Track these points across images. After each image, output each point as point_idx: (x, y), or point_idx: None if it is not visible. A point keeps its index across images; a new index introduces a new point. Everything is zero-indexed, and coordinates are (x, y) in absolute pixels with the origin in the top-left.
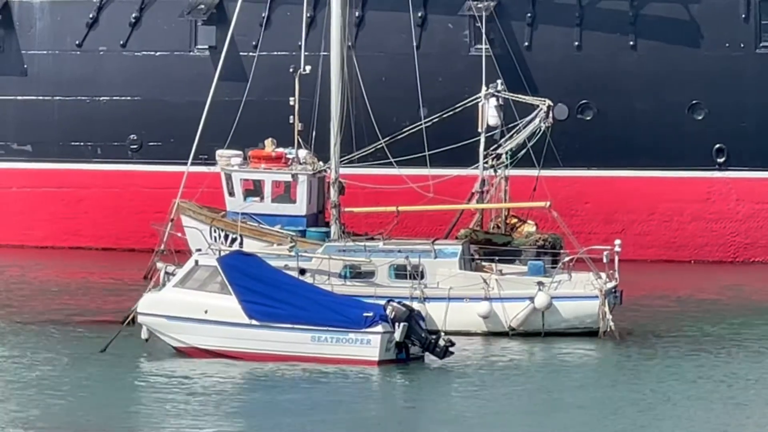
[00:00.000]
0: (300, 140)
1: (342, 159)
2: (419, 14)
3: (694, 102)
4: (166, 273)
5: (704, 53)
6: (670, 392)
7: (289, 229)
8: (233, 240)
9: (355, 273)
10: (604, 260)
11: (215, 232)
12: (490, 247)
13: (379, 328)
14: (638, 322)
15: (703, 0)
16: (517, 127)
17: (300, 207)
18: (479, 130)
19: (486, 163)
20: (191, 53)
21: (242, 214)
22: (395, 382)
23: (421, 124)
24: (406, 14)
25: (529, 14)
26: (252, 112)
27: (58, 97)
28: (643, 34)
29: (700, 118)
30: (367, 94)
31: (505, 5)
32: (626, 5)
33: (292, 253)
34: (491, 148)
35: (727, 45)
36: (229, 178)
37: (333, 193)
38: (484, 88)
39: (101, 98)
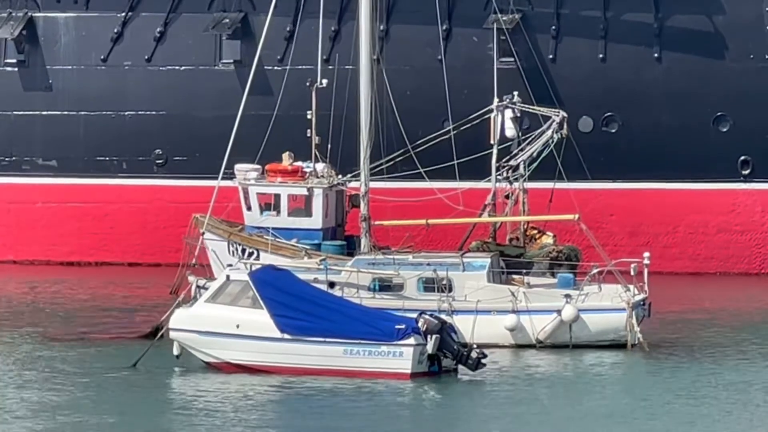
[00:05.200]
0: (318, 154)
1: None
2: (444, 27)
3: (719, 114)
4: (198, 286)
5: (729, 65)
6: (700, 404)
7: (305, 242)
8: (249, 254)
9: (384, 286)
10: (632, 273)
11: (233, 246)
12: (503, 259)
13: (411, 341)
14: (666, 334)
15: (728, 12)
16: (529, 139)
17: (316, 220)
18: (491, 142)
19: (500, 174)
20: (216, 67)
21: (259, 228)
22: (427, 395)
23: (436, 137)
24: (431, 27)
25: (553, 27)
26: (277, 126)
27: (83, 112)
28: (667, 46)
29: (725, 130)
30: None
31: (530, 18)
32: (651, 17)
33: (322, 266)
34: (504, 160)
35: (751, 57)
36: (246, 192)
37: (363, 206)
38: (496, 100)
39: (126, 113)
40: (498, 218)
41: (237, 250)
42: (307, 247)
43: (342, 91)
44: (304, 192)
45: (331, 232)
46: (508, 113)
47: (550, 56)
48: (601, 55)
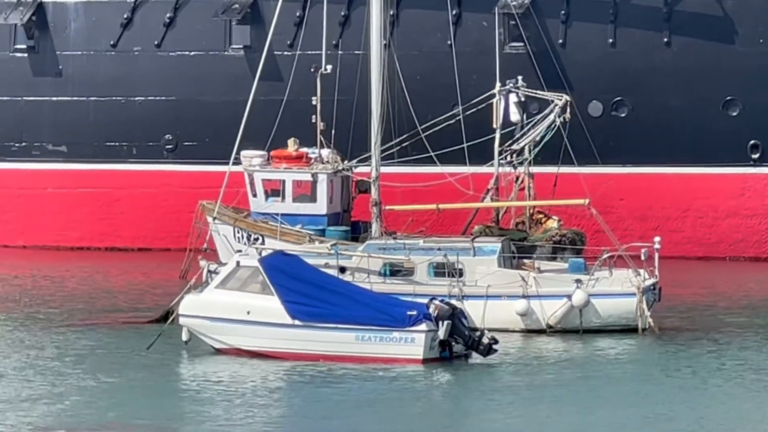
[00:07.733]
0: (323, 139)
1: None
2: (453, 12)
3: (728, 98)
4: (209, 271)
5: (738, 49)
6: (711, 387)
7: (309, 228)
8: (255, 240)
9: (395, 271)
10: (642, 257)
11: (239, 232)
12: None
13: (422, 327)
14: (677, 318)
15: None
16: (532, 123)
17: (320, 206)
18: (494, 126)
19: (504, 159)
20: (226, 53)
21: (264, 214)
22: (439, 381)
23: (443, 121)
24: (441, 12)
25: (563, 11)
26: (287, 111)
27: (93, 98)
28: (677, 30)
29: (734, 114)
30: (403, 92)
31: (540, 2)
32: (660, 2)
33: (332, 252)
34: (506, 144)
35: (761, 41)
36: (251, 178)
37: (373, 192)
38: (498, 84)
39: (136, 98)
40: (508, 203)
41: (243, 236)
42: (312, 232)
43: (352, 77)
44: (309, 178)
45: (336, 218)
46: (513, 98)
47: (560, 41)
48: (610, 40)
